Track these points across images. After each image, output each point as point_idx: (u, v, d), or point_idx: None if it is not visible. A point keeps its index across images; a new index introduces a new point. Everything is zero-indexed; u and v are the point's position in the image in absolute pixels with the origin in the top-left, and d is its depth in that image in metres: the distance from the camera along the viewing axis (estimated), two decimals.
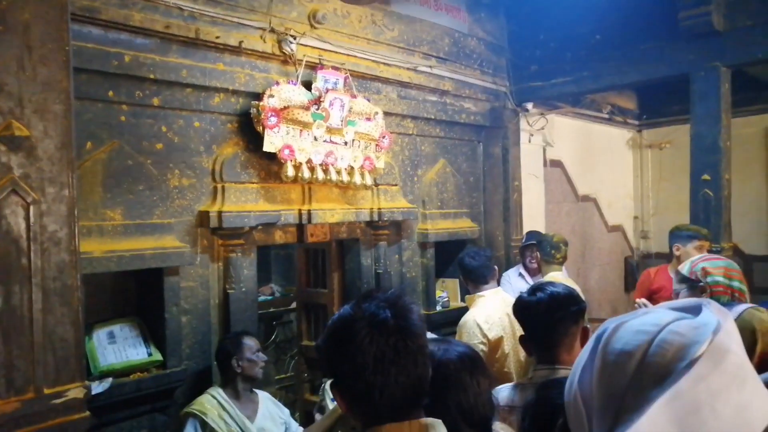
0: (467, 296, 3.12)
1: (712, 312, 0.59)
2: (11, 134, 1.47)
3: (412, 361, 0.99)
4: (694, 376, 0.53)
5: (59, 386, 1.55)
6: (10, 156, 1.49)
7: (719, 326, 0.56)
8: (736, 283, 2.12)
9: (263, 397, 2.79)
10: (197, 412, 2.52)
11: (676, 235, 3.43)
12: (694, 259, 2.22)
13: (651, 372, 0.55)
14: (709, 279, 2.10)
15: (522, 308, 1.79)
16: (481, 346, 2.70)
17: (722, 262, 2.19)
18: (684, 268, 2.20)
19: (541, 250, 3.51)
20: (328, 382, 3.08)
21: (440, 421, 1.03)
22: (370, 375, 0.97)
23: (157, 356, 2.68)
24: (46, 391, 1.52)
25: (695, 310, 0.60)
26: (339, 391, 1.04)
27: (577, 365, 0.64)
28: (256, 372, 2.68)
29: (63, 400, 1.54)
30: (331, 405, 2.94)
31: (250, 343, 2.70)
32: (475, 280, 3.07)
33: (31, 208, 1.52)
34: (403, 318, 1.01)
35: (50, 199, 1.56)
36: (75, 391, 1.57)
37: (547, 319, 1.66)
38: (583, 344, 1.70)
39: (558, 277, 3.35)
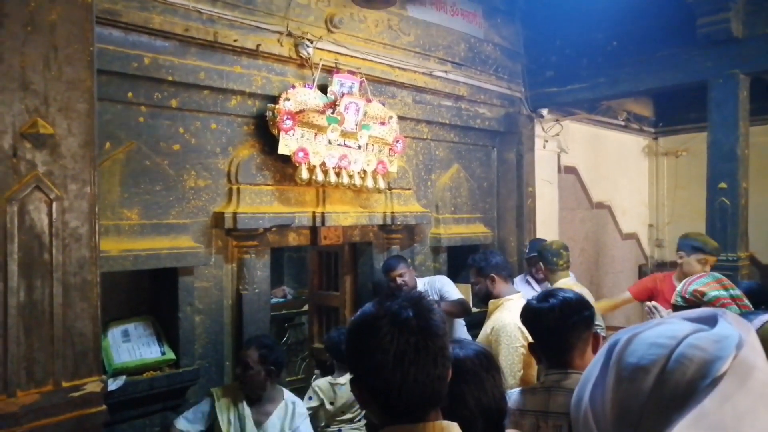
0: (492, 301, 3.04)
1: (729, 323, 0.55)
2: (36, 132, 1.50)
3: (432, 361, 0.99)
4: (719, 396, 0.49)
5: (77, 380, 1.57)
6: (35, 153, 1.53)
7: (742, 341, 0.52)
8: (734, 292, 2.08)
9: (285, 407, 2.65)
10: (215, 393, 2.57)
11: (685, 242, 3.37)
12: (679, 289, 2.17)
13: (670, 390, 0.51)
14: (706, 297, 2.05)
15: (533, 315, 1.76)
16: (522, 350, 2.67)
17: (706, 278, 2.14)
18: (677, 301, 2.16)
19: (543, 259, 3.45)
20: (313, 381, 3.11)
21: (456, 424, 1.03)
22: (389, 373, 0.97)
23: (170, 355, 2.71)
24: (65, 384, 1.55)
25: (711, 321, 0.57)
26: (358, 388, 1.04)
27: (586, 379, 0.60)
28: (251, 387, 2.54)
29: (81, 394, 1.57)
30: (307, 403, 2.97)
31: (249, 352, 2.55)
32: (505, 278, 3.03)
33: (54, 204, 1.55)
34: (424, 318, 1.01)
35: (72, 196, 1.59)
36: (92, 385, 1.60)
37: (561, 325, 1.65)
38: (594, 350, 1.70)
39: (569, 283, 3.31)
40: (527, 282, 4.22)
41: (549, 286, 3.46)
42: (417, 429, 0.98)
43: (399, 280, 3.33)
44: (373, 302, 1.07)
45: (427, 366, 0.98)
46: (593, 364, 0.60)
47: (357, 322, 1.05)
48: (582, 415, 0.58)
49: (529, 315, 1.78)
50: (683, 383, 0.50)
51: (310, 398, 3.00)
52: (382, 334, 0.98)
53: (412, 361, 0.97)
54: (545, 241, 4.16)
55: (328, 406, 2.98)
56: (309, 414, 3.00)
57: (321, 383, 3.04)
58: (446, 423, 1.02)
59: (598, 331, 3.64)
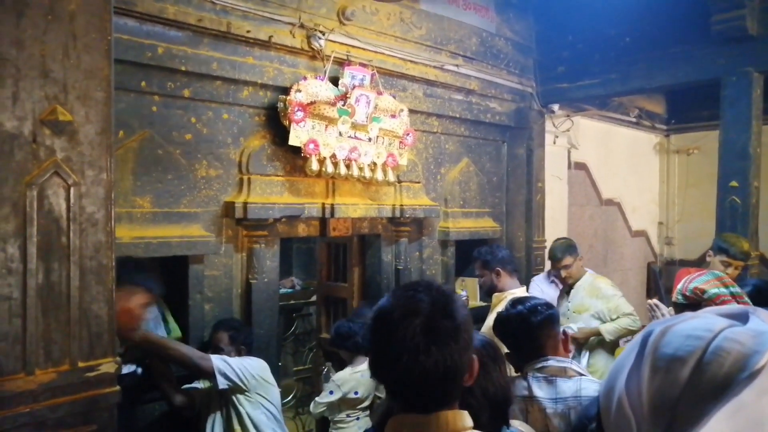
0: (496, 294, 3.06)
1: (762, 320, 0.55)
2: (56, 119, 1.54)
3: (447, 353, 0.97)
4: (757, 389, 0.49)
5: (92, 360, 1.62)
6: (54, 139, 1.57)
7: None
8: (734, 289, 2.09)
9: None
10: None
11: (716, 241, 3.35)
12: (679, 287, 2.18)
13: (707, 381, 0.51)
14: (707, 295, 2.06)
15: (504, 321, 1.90)
16: None
17: (707, 275, 2.15)
18: (677, 298, 2.18)
19: (576, 253, 3.53)
20: (329, 371, 3.13)
21: (466, 412, 1.03)
22: (400, 364, 0.97)
23: (176, 333, 2.74)
24: (81, 364, 1.60)
25: (742, 318, 0.56)
26: (377, 377, 1.06)
27: (618, 369, 0.60)
28: None
29: (96, 374, 1.62)
30: (327, 398, 2.98)
31: (219, 335, 2.67)
32: (510, 272, 3.06)
33: (72, 189, 1.59)
34: (441, 311, 0.99)
35: (89, 181, 1.63)
36: (107, 366, 1.64)
37: (532, 325, 1.81)
38: (565, 347, 1.86)
39: (594, 274, 3.38)
40: (553, 282, 4.10)
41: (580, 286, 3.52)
42: (429, 419, 0.98)
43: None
44: (392, 291, 1.08)
45: (438, 359, 0.97)
46: (626, 353, 0.60)
47: (374, 312, 1.06)
48: (615, 403, 0.58)
49: (501, 323, 1.93)
50: (720, 375, 0.51)
51: (331, 392, 2.98)
52: (393, 327, 0.98)
53: (424, 351, 0.96)
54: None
55: (352, 396, 2.99)
56: (326, 407, 3.02)
57: (343, 376, 3.02)
58: (457, 412, 1.01)
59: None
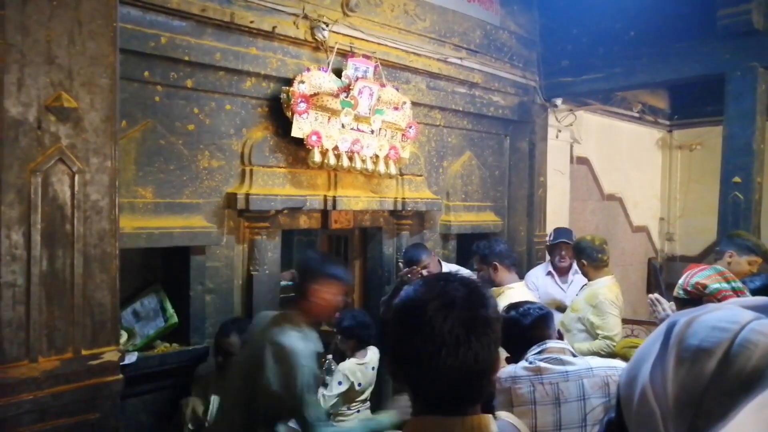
0: (494, 288, 3.05)
1: None
2: (61, 105, 1.53)
3: (485, 343, 0.92)
4: None
5: (96, 348, 1.62)
6: (59, 126, 1.56)
7: None
8: (735, 284, 2.08)
9: None
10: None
11: (736, 242, 3.16)
12: (681, 281, 2.16)
13: (734, 374, 0.50)
14: (708, 290, 2.05)
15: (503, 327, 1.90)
16: None
17: (708, 270, 2.13)
18: (678, 293, 2.16)
19: (587, 256, 3.32)
20: (330, 363, 3.12)
21: (491, 416, 0.99)
22: (436, 360, 0.91)
23: (173, 319, 2.74)
24: (84, 352, 1.60)
25: (765, 310, 0.56)
26: (400, 374, 0.99)
27: (641, 358, 0.59)
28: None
29: (99, 362, 1.62)
30: (337, 389, 2.97)
31: (230, 340, 2.56)
32: (508, 266, 3.04)
33: (76, 176, 1.59)
34: (477, 301, 0.95)
35: (94, 169, 1.62)
36: (110, 354, 1.64)
37: (524, 327, 1.85)
38: None
39: (608, 283, 3.19)
40: (549, 274, 3.96)
41: (594, 286, 3.37)
42: (455, 423, 0.94)
43: (425, 272, 3.24)
44: (418, 283, 1.01)
45: (468, 359, 0.91)
46: (649, 343, 0.59)
47: (401, 305, 0.99)
48: (638, 395, 0.57)
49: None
50: (748, 368, 0.50)
51: (340, 383, 2.94)
52: (429, 320, 0.92)
53: (450, 353, 0.91)
54: (570, 230, 4.00)
55: (357, 388, 2.99)
56: (338, 399, 3.01)
57: (349, 366, 3.00)
58: (483, 416, 0.97)
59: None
